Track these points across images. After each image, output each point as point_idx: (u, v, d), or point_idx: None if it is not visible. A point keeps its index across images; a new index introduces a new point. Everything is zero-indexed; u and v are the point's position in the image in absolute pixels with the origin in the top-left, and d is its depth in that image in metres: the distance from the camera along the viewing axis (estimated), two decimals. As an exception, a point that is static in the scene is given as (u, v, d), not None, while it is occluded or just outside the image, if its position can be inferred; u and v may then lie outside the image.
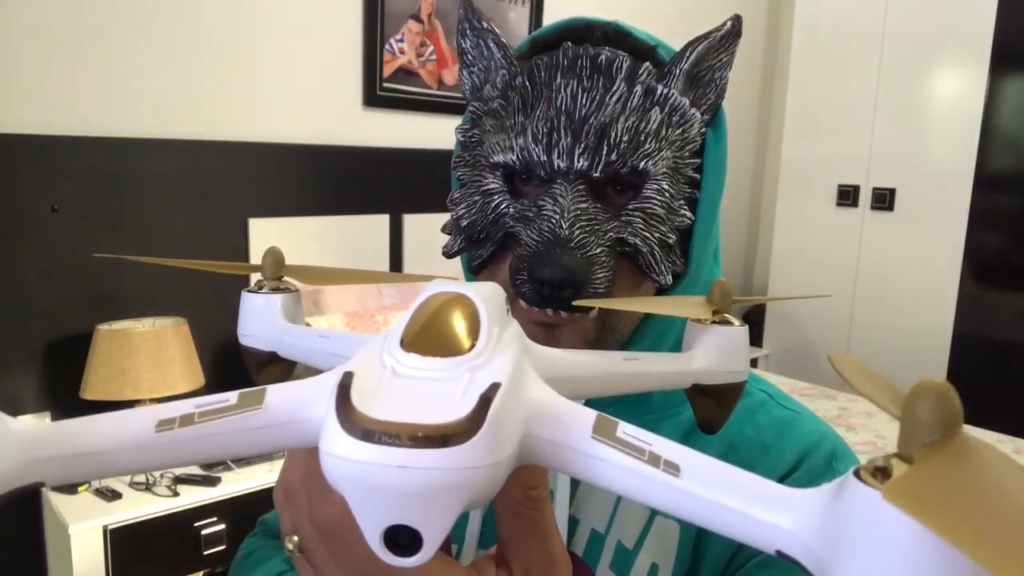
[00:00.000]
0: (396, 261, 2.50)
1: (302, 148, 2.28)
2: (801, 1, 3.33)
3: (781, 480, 0.53)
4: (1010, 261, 2.84)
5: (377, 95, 2.44)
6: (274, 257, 0.41)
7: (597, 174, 0.48)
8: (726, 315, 0.39)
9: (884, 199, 3.10)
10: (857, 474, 0.20)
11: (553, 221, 0.47)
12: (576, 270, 0.45)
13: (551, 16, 2.79)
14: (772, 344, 3.55)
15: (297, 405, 0.25)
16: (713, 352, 0.38)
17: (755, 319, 3.72)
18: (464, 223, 0.53)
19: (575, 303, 0.45)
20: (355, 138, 2.41)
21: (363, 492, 0.22)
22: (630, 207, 0.49)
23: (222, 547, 1.74)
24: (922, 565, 0.18)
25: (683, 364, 0.38)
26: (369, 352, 0.25)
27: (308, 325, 0.41)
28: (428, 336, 0.25)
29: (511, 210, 0.50)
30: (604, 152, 0.48)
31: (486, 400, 0.22)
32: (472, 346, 0.25)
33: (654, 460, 0.23)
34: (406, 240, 2.50)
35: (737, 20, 0.52)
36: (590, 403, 0.36)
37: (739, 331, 0.39)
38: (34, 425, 0.24)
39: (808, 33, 3.32)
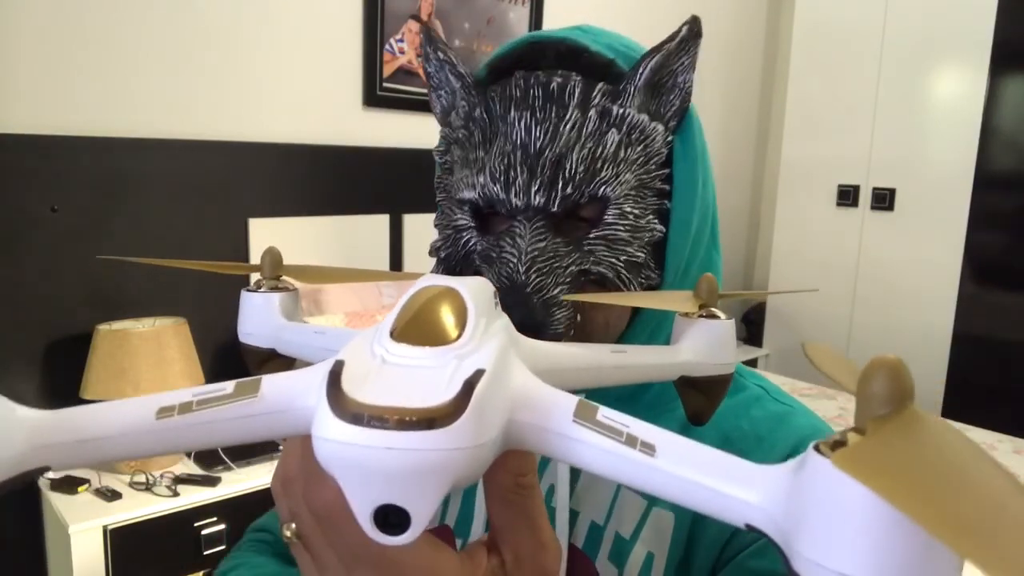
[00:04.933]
0: (396, 261, 2.51)
1: (302, 148, 2.28)
2: (801, 1, 3.33)
3: None
4: (1010, 261, 2.84)
5: (377, 95, 2.44)
6: (272, 257, 0.42)
7: (555, 209, 0.48)
8: (712, 309, 0.40)
9: (884, 199, 3.10)
10: (817, 448, 0.20)
11: (511, 266, 0.47)
12: (533, 316, 0.46)
13: (551, 16, 2.78)
14: (772, 344, 3.56)
15: (291, 393, 0.26)
16: (699, 344, 0.39)
17: (755, 319, 3.72)
18: (442, 255, 0.54)
19: (564, 298, 0.46)
20: (355, 138, 2.41)
21: (353, 473, 0.23)
22: (592, 236, 0.49)
23: (222, 547, 1.75)
24: (873, 529, 0.18)
25: (670, 356, 0.39)
26: (360, 343, 0.26)
27: (306, 323, 0.42)
28: (417, 326, 0.26)
29: (478, 247, 0.51)
30: (559, 186, 0.48)
31: (470, 385, 0.23)
32: (459, 336, 0.26)
33: (631, 441, 0.24)
34: (406, 240, 2.50)
35: (695, 23, 0.52)
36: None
37: (725, 324, 0.40)
38: (40, 412, 0.25)
39: (808, 33, 3.32)
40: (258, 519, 0.70)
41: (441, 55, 0.56)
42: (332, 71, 2.36)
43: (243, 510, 1.76)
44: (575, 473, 0.56)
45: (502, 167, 0.49)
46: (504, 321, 0.31)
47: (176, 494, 1.70)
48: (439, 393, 0.23)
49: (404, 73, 2.50)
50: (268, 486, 0.35)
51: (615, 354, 0.37)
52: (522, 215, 0.49)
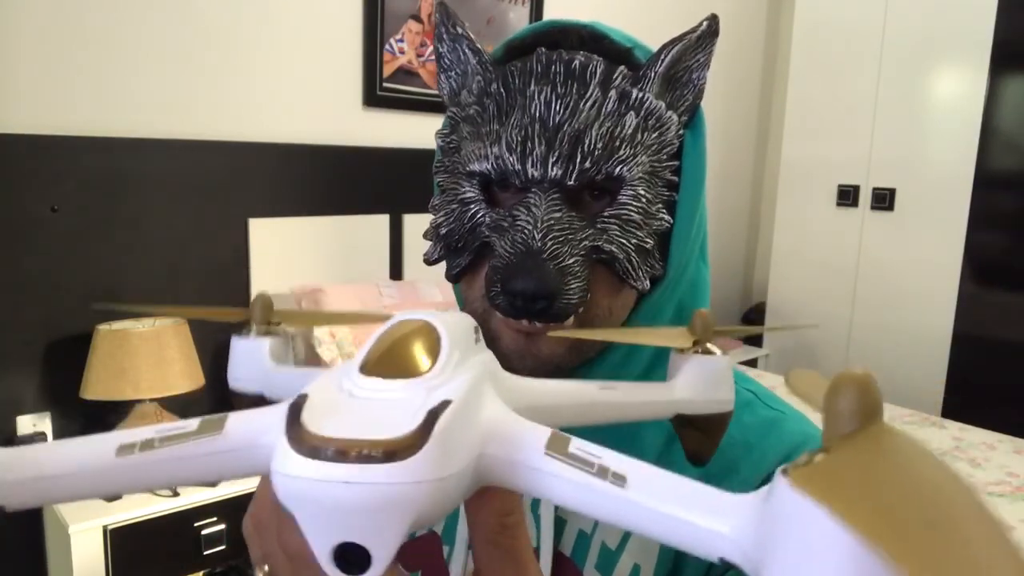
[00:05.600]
0: (396, 261, 2.51)
1: (302, 148, 2.28)
2: (801, 1, 3.33)
3: (765, 480, 0.53)
4: (1010, 261, 2.84)
5: (377, 95, 2.44)
6: (263, 303, 0.41)
7: (571, 182, 0.48)
8: (708, 345, 0.39)
9: (884, 199, 3.10)
10: (785, 472, 0.20)
11: (526, 232, 0.47)
12: (548, 282, 0.45)
13: (550, 16, 2.78)
14: (772, 344, 3.56)
15: (256, 431, 0.25)
16: (695, 381, 0.38)
17: (756, 319, 3.72)
18: (443, 231, 0.53)
19: (551, 334, 0.44)
20: (355, 138, 2.41)
21: (311, 510, 0.22)
22: (606, 214, 0.49)
23: (222, 547, 1.75)
24: (835, 555, 0.17)
25: (664, 394, 0.38)
26: (329, 376, 0.26)
27: (314, 334, 0.41)
28: (387, 360, 0.26)
29: (487, 219, 0.50)
30: (578, 160, 0.48)
31: (433, 415, 0.22)
32: (430, 368, 0.25)
33: (602, 472, 0.24)
34: (406, 240, 2.50)
35: (713, 20, 0.52)
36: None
37: (721, 361, 0.38)
38: None
39: (808, 33, 3.32)
40: None
41: (459, 29, 0.55)
42: (332, 71, 2.36)
43: (243, 510, 1.74)
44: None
45: (519, 138, 0.49)
46: (486, 356, 0.30)
47: (176, 494, 1.70)
48: (402, 425, 0.22)
49: (404, 73, 2.50)
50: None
51: (604, 391, 0.36)
52: (537, 187, 0.48)
